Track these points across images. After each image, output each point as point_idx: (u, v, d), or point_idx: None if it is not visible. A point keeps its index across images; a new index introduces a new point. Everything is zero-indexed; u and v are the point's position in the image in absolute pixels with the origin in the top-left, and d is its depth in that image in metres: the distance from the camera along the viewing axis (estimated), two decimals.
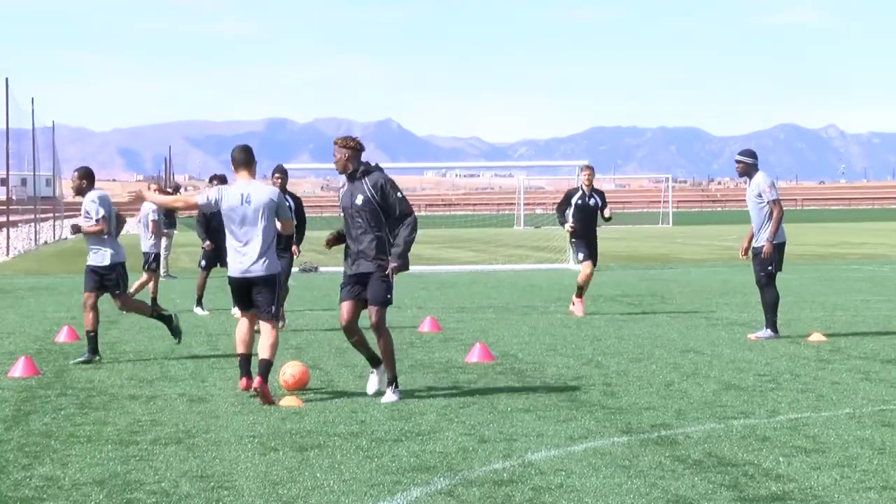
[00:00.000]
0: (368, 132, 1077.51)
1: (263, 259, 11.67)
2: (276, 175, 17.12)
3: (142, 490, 8.03)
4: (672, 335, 16.75)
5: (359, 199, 11.36)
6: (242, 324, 11.92)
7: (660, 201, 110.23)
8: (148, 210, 22.21)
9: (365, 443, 9.48)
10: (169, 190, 35.99)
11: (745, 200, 16.52)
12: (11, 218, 62.84)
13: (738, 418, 10.39)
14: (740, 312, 19.74)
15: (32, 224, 62.89)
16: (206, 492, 7.96)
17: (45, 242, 62.14)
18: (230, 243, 11.80)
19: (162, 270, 31.34)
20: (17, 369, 13.39)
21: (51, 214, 76.38)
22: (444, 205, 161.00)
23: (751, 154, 16.31)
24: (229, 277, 11.88)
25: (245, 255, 11.68)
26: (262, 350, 11.60)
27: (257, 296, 11.74)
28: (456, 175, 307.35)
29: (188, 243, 53.05)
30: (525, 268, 34.86)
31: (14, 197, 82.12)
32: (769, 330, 16.10)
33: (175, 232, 32.39)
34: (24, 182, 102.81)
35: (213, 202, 11.77)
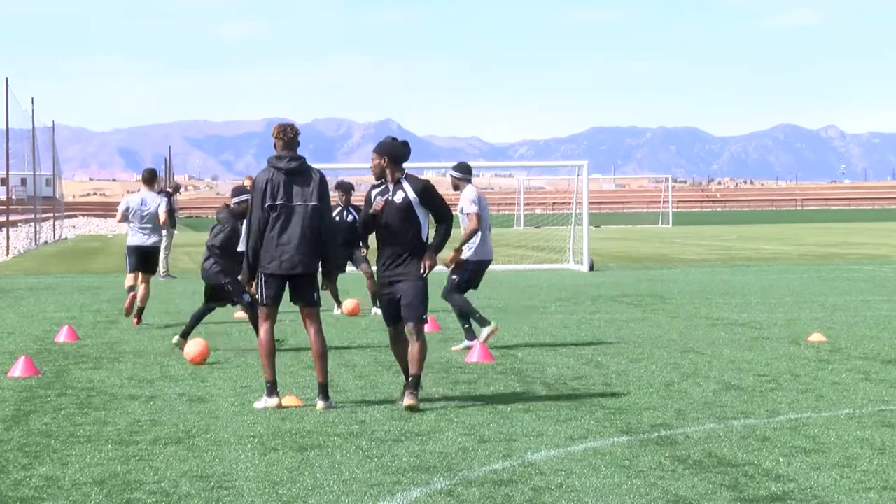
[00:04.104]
0: (369, 132, 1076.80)
1: (157, 235, 18.98)
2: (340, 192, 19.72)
3: (142, 490, 8.04)
4: (672, 335, 16.75)
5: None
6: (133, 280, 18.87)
7: (660, 201, 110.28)
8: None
9: (365, 443, 9.48)
10: (169, 190, 36.02)
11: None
12: (11, 218, 62.75)
13: (738, 418, 10.39)
14: (740, 313, 19.74)
15: (32, 224, 62.84)
16: (206, 492, 7.96)
17: (45, 242, 62.15)
18: (134, 227, 18.87)
19: (161, 270, 31.40)
20: (17, 369, 13.38)
21: (51, 214, 76.39)
22: None
23: (463, 168, 15.33)
24: (133, 246, 18.78)
25: (145, 233, 18.92)
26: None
27: (148, 258, 18.92)
28: None
29: (188, 243, 53.08)
30: (525, 268, 34.86)
31: (14, 197, 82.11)
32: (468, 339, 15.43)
33: (175, 232, 32.35)
34: (24, 182, 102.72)
35: (127, 208, 18.98)
